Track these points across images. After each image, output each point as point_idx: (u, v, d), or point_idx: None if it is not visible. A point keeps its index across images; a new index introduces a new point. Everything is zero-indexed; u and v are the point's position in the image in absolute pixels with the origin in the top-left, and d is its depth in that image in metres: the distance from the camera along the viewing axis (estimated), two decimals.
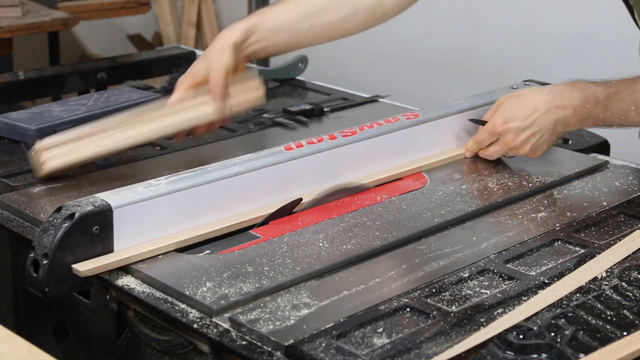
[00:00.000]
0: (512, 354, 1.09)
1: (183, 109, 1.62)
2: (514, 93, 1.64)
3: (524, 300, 1.21)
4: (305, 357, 1.08)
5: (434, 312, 1.17)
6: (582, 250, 1.36)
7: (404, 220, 1.45)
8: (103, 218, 1.29)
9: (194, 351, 1.23)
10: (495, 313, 1.18)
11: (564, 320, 1.16)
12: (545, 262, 1.33)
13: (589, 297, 1.22)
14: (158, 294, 1.24)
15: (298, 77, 2.27)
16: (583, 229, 1.43)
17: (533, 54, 3.12)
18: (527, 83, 1.88)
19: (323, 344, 1.10)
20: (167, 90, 2.07)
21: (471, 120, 1.70)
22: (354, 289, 1.24)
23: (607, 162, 1.71)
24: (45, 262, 1.26)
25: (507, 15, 3.17)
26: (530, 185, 1.59)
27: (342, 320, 1.15)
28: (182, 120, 1.62)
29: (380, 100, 2.10)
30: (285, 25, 1.69)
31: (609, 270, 1.29)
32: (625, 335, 1.13)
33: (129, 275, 1.29)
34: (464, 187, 1.59)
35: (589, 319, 1.16)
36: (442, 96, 1.73)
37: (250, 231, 1.42)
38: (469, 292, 1.24)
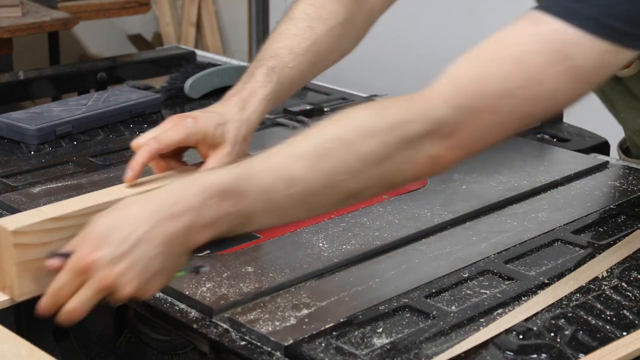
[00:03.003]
0: (512, 354, 1.09)
1: None
2: (110, 208, 1.12)
3: (524, 300, 1.20)
4: (305, 357, 1.08)
5: (434, 312, 1.17)
6: (582, 250, 1.36)
7: (404, 220, 1.44)
8: None
9: (194, 351, 1.23)
10: (495, 313, 1.18)
11: (564, 320, 1.16)
12: (545, 262, 1.32)
13: (589, 297, 1.22)
14: (158, 294, 1.24)
15: None
16: (583, 229, 1.43)
17: None
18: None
19: (323, 344, 1.10)
20: (167, 90, 2.07)
21: (52, 256, 1.11)
22: (354, 289, 1.23)
23: (607, 162, 1.71)
24: None
25: (507, 15, 3.17)
26: (530, 185, 1.59)
27: (342, 320, 1.15)
28: None
29: (378, 99, 2.10)
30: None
31: (609, 270, 1.29)
32: (625, 335, 1.13)
33: None
34: (464, 187, 1.58)
35: (589, 319, 1.16)
36: None
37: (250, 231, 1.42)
38: (469, 292, 1.24)
